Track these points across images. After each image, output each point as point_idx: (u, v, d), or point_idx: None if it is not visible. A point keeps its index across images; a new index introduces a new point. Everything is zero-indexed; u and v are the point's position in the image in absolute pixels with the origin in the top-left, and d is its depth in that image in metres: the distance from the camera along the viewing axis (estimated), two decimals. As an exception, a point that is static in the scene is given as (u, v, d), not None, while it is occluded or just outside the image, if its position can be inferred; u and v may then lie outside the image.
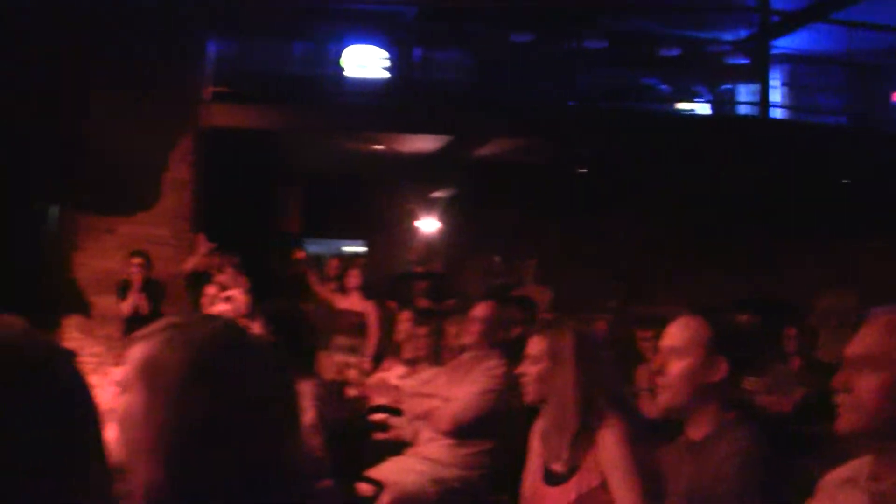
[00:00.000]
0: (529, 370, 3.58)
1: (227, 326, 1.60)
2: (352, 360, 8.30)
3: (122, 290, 9.01)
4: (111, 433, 1.37)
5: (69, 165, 9.74)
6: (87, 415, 1.22)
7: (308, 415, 4.03)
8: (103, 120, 9.80)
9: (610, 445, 3.29)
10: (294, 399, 1.61)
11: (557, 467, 3.42)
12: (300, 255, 10.49)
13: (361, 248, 13.96)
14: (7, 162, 9.20)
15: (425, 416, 5.35)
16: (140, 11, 10.01)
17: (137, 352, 1.53)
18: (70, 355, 1.29)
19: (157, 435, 1.45)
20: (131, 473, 1.48)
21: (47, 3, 9.73)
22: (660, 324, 3.08)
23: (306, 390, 4.09)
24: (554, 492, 3.40)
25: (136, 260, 9.01)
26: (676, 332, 2.90)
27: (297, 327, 4.47)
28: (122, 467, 1.49)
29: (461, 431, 5.15)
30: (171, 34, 10.18)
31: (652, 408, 4.79)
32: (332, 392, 6.14)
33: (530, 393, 3.59)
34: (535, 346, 3.58)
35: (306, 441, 3.80)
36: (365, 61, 12.39)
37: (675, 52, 14.15)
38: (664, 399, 2.89)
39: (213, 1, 10.42)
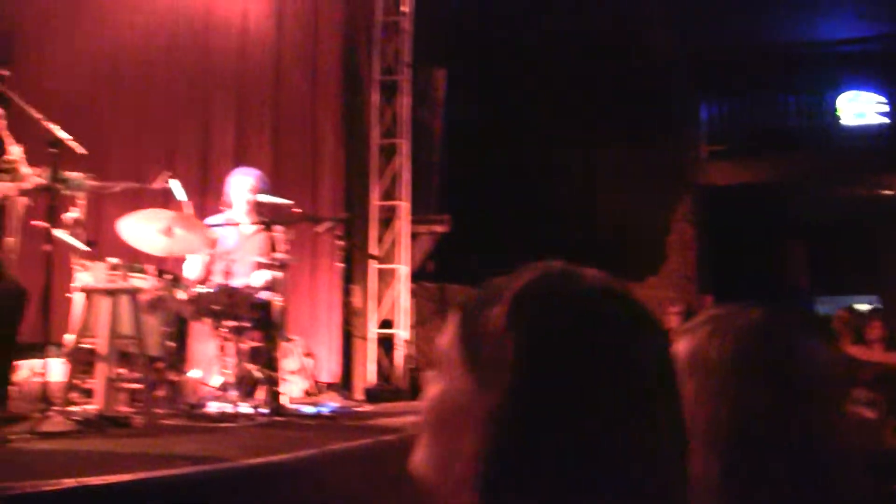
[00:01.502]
0: None
1: (771, 315, 1.46)
2: (869, 414, 7.88)
3: None
4: None
5: (578, 231, 10.20)
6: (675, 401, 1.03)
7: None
8: (608, 186, 10.22)
9: None
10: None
11: None
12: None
13: (872, 306, 13.17)
14: (514, 229, 9.80)
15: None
16: (636, 77, 10.37)
17: (682, 345, 1.48)
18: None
19: (707, 428, 1.38)
20: None
21: (556, 74, 10.33)
22: None
23: None
24: None
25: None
26: None
27: None
28: None
29: None
30: (666, 97, 10.44)
31: None
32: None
33: None
34: None
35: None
36: (861, 108, 11.97)
37: None
38: None
39: (706, 62, 10.58)
